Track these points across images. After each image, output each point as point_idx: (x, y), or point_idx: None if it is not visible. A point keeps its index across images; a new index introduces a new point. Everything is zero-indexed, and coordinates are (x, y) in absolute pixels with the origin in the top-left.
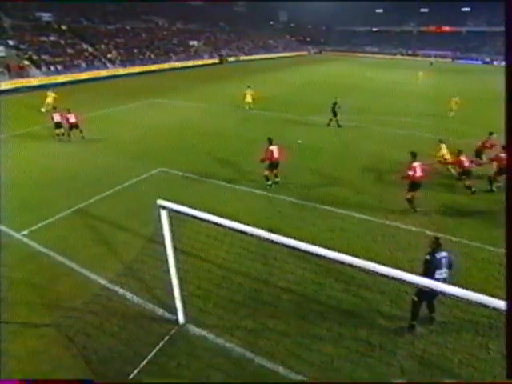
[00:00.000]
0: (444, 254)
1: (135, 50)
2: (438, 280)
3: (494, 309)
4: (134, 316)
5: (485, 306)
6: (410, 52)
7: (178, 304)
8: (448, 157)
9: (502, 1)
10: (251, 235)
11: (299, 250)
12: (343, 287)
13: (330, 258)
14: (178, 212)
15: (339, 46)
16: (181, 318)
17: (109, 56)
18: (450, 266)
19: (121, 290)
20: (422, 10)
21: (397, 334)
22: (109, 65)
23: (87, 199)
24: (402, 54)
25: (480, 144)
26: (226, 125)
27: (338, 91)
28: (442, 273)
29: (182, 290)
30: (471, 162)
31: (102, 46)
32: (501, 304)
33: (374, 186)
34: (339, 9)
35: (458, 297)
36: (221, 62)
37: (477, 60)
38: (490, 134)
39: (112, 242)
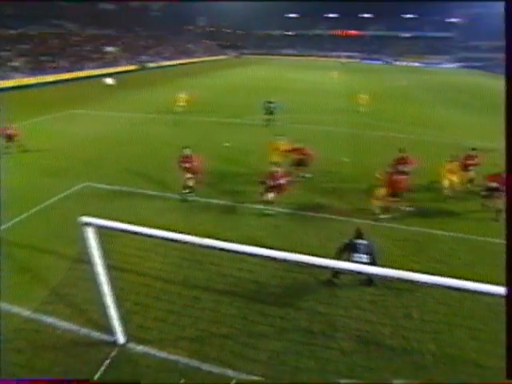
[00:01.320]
0: (363, 242)
1: (44, 58)
2: (356, 262)
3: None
4: (66, 345)
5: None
6: (322, 54)
7: (116, 324)
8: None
9: (401, 8)
10: (185, 243)
11: (234, 251)
12: (280, 282)
13: (265, 256)
14: (106, 227)
15: (257, 50)
16: (120, 338)
17: (13, 64)
18: (371, 254)
19: (49, 319)
20: (331, 15)
21: (334, 319)
22: (15, 74)
23: (2, 224)
24: (317, 56)
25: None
26: (153, 132)
27: (263, 93)
28: (361, 257)
29: (118, 308)
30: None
31: (4, 53)
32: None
33: None
34: (254, 13)
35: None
36: (141, 69)
37: (379, 60)
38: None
39: (34, 268)
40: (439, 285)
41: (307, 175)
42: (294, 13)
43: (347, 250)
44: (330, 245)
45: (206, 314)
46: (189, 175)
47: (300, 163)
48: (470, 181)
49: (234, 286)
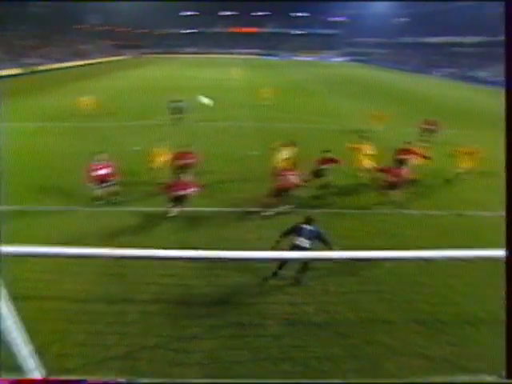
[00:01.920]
0: (309, 227)
1: None
2: (296, 245)
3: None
4: None
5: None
6: (223, 51)
7: (30, 360)
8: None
9: (293, 8)
10: (101, 257)
11: (154, 258)
12: (205, 282)
13: (187, 258)
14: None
15: (157, 49)
16: (38, 374)
17: None
18: (317, 239)
19: None
20: (227, 13)
21: (262, 308)
22: None
23: None
24: (218, 53)
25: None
26: (51, 142)
27: (169, 93)
28: (302, 241)
29: (31, 342)
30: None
31: None
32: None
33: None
34: (150, 12)
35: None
36: (29, 72)
37: (278, 56)
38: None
39: None
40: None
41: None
42: (191, 11)
43: (292, 233)
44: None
45: (133, 328)
46: (105, 183)
47: (184, 168)
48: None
49: (160, 293)
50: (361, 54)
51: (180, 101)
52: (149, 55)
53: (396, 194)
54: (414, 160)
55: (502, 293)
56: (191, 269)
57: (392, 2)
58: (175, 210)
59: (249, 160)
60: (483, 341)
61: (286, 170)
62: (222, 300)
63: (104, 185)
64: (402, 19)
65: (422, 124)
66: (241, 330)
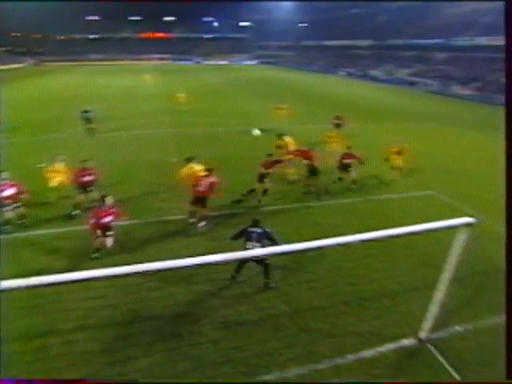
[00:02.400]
0: (257, 230)
1: None
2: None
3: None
4: None
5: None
6: (133, 57)
7: None
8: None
9: (202, 12)
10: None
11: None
12: (133, 299)
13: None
14: None
15: (60, 56)
16: None
17: None
18: (267, 240)
19: None
20: (134, 18)
21: (195, 314)
22: None
23: None
24: (128, 60)
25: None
26: None
27: (78, 102)
28: (255, 245)
29: None
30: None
31: None
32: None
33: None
34: (50, 15)
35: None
36: None
37: (190, 61)
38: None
39: None
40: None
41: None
42: (96, 15)
43: (242, 238)
44: None
45: (58, 361)
46: (12, 205)
47: (85, 185)
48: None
49: (85, 318)
50: (270, 56)
51: (88, 111)
52: (50, 63)
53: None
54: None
55: (412, 264)
56: (116, 287)
57: (293, 9)
58: (108, 241)
59: (168, 167)
60: (399, 310)
61: (199, 178)
62: (155, 314)
63: (9, 207)
64: (304, 24)
65: (332, 119)
66: (178, 340)
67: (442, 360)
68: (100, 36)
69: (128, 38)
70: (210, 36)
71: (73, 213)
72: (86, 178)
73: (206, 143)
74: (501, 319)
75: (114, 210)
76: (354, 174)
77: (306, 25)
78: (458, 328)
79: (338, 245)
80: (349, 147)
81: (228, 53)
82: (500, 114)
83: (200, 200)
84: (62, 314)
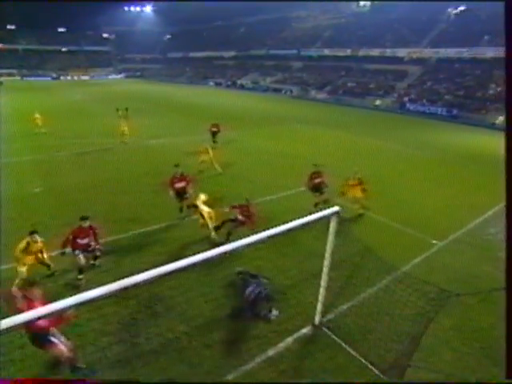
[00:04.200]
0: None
1: None
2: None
3: None
4: None
5: None
6: None
7: None
8: None
9: (53, 21)
10: None
11: None
12: None
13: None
14: None
15: None
16: None
17: None
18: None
19: None
20: None
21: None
22: None
23: None
24: None
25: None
26: None
27: None
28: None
29: None
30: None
31: None
32: None
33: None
34: None
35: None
36: None
37: (44, 76)
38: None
39: None
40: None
41: None
42: None
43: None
44: None
45: None
46: None
47: None
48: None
49: None
50: (135, 69)
51: None
52: None
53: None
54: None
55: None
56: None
57: (156, 21)
58: None
59: (33, 199)
60: (292, 303)
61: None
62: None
63: None
64: (167, 36)
65: (210, 127)
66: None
67: (336, 339)
68: None
69: None
70: (65, 49)
71: None
72: None
73: (72, 167)
74: (373, 289)
75: None
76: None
77: (169, 37)
78: (343, 306)
79: (225, 252)
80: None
81: (86, 67)
82: (349, 113)
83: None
84: None
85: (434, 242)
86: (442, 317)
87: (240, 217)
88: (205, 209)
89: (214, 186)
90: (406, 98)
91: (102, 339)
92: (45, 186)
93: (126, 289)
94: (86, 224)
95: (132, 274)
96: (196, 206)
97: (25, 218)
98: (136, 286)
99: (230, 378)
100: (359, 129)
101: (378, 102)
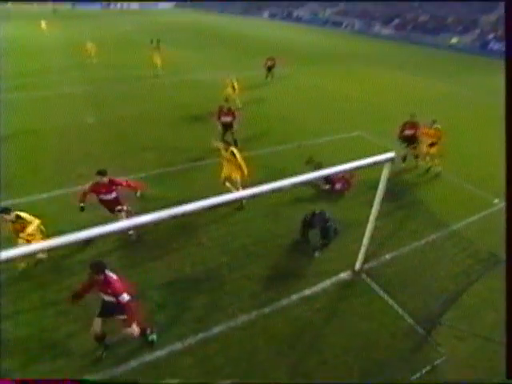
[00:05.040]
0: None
1: None
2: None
3: None
4: None
5: None
6: None
7: None
8: None
9: None
10: None
11: None
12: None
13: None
14: None
15: None
16: None
17: None
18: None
19: None
20: None
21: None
22: None
23: None
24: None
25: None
26: None
27: None
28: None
29: None
30: None
31: None
32: None
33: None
34: None
35: None
36: None
37: (95, 4)
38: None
39: None
40: None
41: None
42: None
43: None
44: None
45: None
46: None
47: None
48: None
49: None
50: None
51: None
52: None
53: None
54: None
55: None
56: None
57: None
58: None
59: (86, 129)
60: (335, 248)
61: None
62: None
63: None
64: None
65: (266, 61)
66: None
67: (374, 286)
68: None
69: None
70: None
71: None
72: None
73: (121, 99)
74: (420, 243)
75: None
76: None
77: None
78: (386, 256)
79: (274, 190)
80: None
81: None
82: (418, 52)
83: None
84: None
85: (496, 201)
86: (489, 278)
87: (338, 185)
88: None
89: (262, 123)
90: (490, 36)
91: (148, 264)
92: (96, 117)
93: (174, 217)
94: (105, 180)
95: (180, 204)
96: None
97: (78, 148)
98: (184, 214)
99: (266, 311)
100: (428, 71)
101: (454, 40)
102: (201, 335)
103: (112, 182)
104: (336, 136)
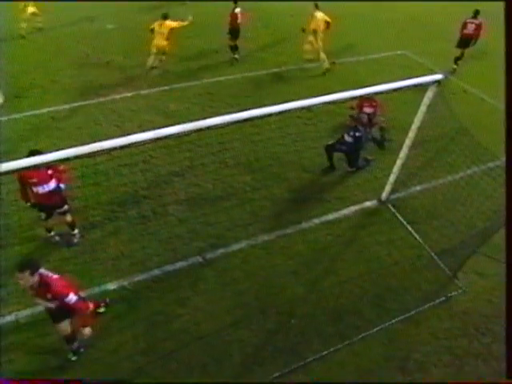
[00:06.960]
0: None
1: None
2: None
3: None
4: None
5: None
6: None
7: None
8: None
9: None
10: None
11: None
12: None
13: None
14: None
15: None
16: None
17: None
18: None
19: None
20: None
21: (162, 198)
22: None
23: None
24: None
25: None
26: None
27: None
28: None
29: None
30: None
31: None
32: None
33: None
34: None
35: None
36: None
37: None
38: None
39: None
40: None
41: None
42: None
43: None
44: None
45: None
46: None
47: None
48: None
49: None
50: None
51: None
52: None
53: None
54: None
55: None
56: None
57: None
58: None
59: (106, 35)
60: (363, 175)
61: None
62: (119, 201)
63: None
64: None
65: None
66: (144, 223)
67: (398, 217)
68: None
69: None
70: None
71: None
72: None
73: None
74: (454, 177)
75: None
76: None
77: None
78: (416, 188)
79: (303, 107)
80: None
81: None
82: None
83: None
84: None
85: None
86: None
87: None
88: None
89: (295, 38)
90: None
91: (173, 178)
92: (116, 23)
93: (199, 130)
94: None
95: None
96: (236, 48)
97: (99, 55)
98: (209, 128)
99: (288, 231)
100: None
101: None
102: (221, 250)
103: (53, 169)
104: (377, 54)
